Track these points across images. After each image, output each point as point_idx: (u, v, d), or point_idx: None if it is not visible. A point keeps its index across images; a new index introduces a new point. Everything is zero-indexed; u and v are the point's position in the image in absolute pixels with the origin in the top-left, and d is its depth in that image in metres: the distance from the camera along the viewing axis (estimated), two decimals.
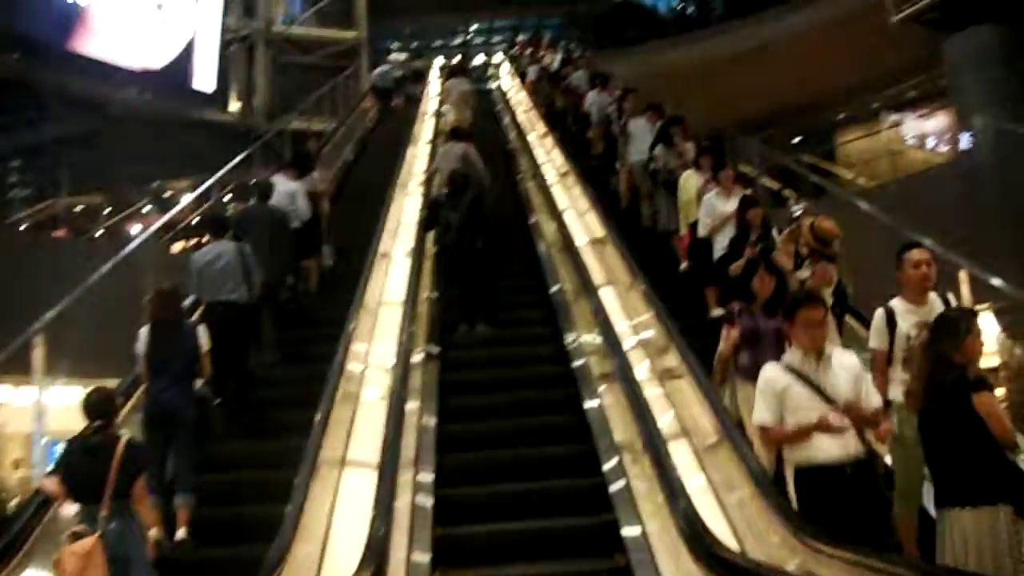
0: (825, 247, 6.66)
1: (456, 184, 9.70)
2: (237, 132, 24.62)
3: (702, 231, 8.81)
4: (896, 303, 5.45)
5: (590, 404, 6.98)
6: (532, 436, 6.99)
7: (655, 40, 28.82)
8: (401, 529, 5.21)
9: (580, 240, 9.88)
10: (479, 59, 31.73)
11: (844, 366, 4.72)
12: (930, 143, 24.50)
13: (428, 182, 12.35)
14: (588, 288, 8.39)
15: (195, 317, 7.60)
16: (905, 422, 4.93)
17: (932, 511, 4.49)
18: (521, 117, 17.78)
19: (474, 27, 38.39)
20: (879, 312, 5.48)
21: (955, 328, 4.40)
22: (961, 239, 7.74)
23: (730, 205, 8.45)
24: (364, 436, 5.96)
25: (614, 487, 5.84)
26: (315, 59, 28.30)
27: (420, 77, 23.62)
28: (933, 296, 5.46)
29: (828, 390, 4.57)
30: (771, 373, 4.72)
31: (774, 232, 7.99)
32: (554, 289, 9.44)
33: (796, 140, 25.30)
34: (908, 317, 5.35)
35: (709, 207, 8.74)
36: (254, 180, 10.04)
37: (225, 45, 26.57)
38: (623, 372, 6.54)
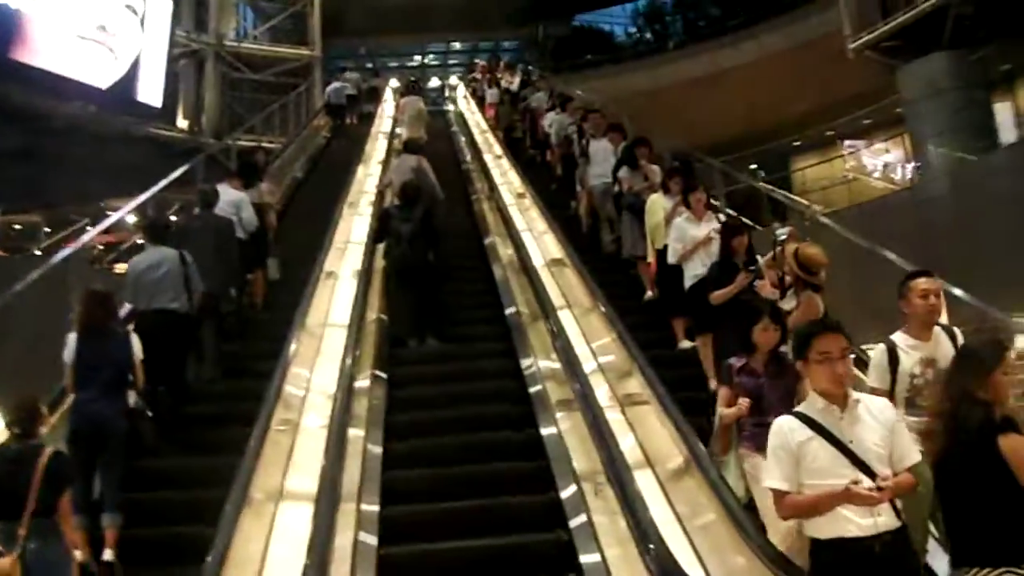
0: (811, 276, 6.05)
1: (407, 196, 9.41)
2: (185, 149, 23.98)
3: (672, 258, 8.13)
4: (898, 338, 4.93)
5: (547, 430, 6.56)
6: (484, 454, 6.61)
7: (612, 64, 28.86)
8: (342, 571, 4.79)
9: (537, 261, 9.53)
10: (435, 82, 31.56)
11: (875, 415, 3.82)
12: (885, 171, 24.66)
13: (380, 196, 12.04)
14: (546, 310, 8.03)
15: (131, 327, 7.15)
16: (911, 469, 4.49)
17: (936, 568, 4.12)
18: (478, 138, 17.56)
19: (431, 49, 38.20)
20: (879, 348, 4.94)
21: (980, 360, 3.84)
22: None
23: (702, 230, 7.94)
24: (304, 467, 5.52)
25: (574, 521, 5.43)
26: (267, 76, 27.81)
27: (375, 95, 23.34)
28: (938, 331, 4.96)
29: (856, 447, 3.72)
30: (785, 425, 3.82)
31: (759, 259, 7.61)
32: (510, 311, 9.02)
33: (751, 167, 25.31)
34: (912, 353, 4.86)
35: (680, 232, 8.08)
36: (199, 187, 9.60)
37: (174, 59, 25.91)
38: (584, 397, 6.16)
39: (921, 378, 4.78)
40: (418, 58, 38.25)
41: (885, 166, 24.29)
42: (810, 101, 23.57)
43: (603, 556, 4.94)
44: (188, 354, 7.72)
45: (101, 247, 15.33)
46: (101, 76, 22.85)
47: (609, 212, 11.28)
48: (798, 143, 27.28)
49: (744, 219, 12.12)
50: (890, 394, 4.76)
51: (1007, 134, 18.29)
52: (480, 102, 21.32)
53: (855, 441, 3.72)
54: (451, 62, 36.82)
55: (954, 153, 17.37)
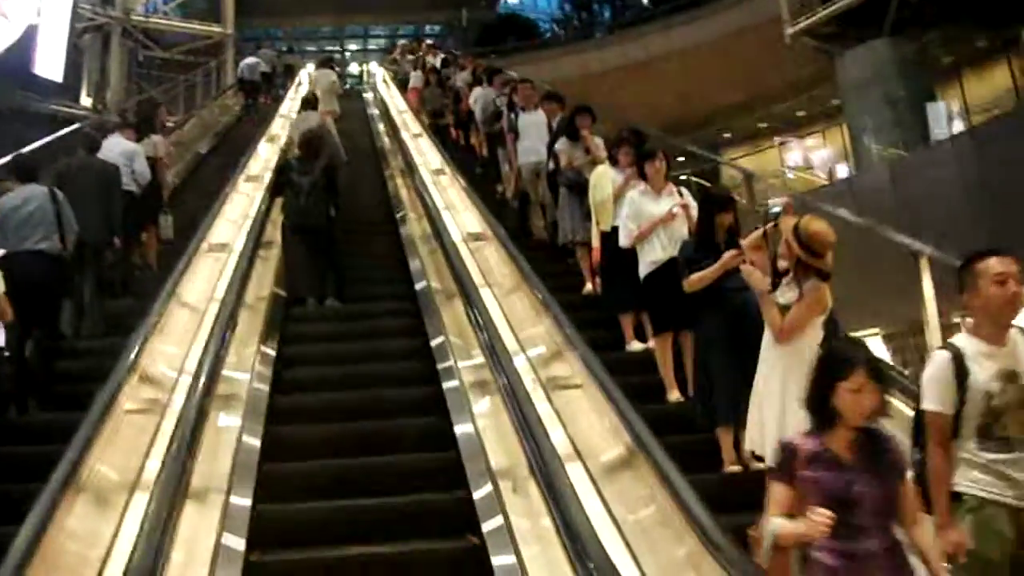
0: (816, 258, 4.54)
1: (307, 147, 8.85)
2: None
3: (624, 240, 6.82)
4: (964, 342, 3.61)
5: (462, 428, 5.61)
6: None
7: (537, 51, 28.26)
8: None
9: (455, 236, 8.56)
10: (355, 68, 30.85)
11: None
12: (819, 163, 24.42)
13: (283, 155, 11.34)
14: (465, 287, 7.07)
15: None
16: (986, 531, 3.35)
17: None
18: (396, 119, 16.67)
19: (350, 33, 37.25)
20: (941, 356, 3.62)
21: None
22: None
23: (662, 205, 6.63)
24: (159, 454, 4.53)
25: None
26: (176, 54, 26.57)
27: (291, 74, 22.41)
28: (1013, 333, 3.62)
29: None
30: None
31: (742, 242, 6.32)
32: (420, 286, 8.17)
33: (680, 158, 24.80)
34: (985, 364, 3.54)
35: (634, 208, 6.73)
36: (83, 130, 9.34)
37: (79, 33, 24.55)
38: (508, 381, 5.23)
39: (1000, 398, 3.51)
40: (338, 44, 37.22)
41: (818, 157, 23.80)
42: (743, 91, 23.20)
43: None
44: (61, 301, 7.29)
45: None
46: None
47: (542, 194, 10.22)
48: (729, 135, 26.94)
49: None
50: (956, 420, 3.55)
51: (949, 127, 17.72)
52: (402, 86, 20.31)
53: None
54: (371, 47, 35.95)
55: (889, 149, 17.00)
